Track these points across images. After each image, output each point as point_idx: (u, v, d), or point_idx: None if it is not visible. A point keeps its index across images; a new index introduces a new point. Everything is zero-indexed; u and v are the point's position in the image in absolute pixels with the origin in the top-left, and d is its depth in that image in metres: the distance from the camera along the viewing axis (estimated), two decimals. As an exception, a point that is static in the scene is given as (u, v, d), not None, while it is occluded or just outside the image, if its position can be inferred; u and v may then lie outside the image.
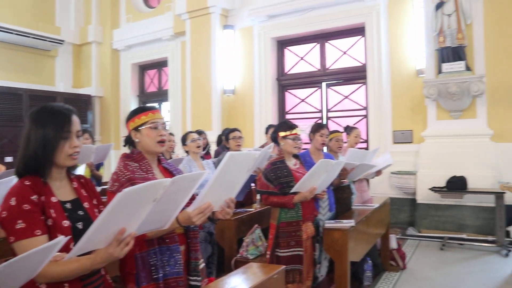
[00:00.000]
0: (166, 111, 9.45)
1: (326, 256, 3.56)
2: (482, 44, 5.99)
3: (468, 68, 5.89)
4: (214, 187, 1.81)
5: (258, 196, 4.38)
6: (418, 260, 4.94)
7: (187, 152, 4.02)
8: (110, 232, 1.41)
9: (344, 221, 3.45)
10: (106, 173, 6.47)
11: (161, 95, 9.89)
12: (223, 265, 3.68)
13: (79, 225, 1.58)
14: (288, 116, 8.24)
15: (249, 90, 8.32)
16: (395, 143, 6.90)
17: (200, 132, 4.92)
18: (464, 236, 5.68)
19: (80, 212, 1.62)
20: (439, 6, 5.94)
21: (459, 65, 5.86)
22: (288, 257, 3.05)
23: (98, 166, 5.15)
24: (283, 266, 2.30)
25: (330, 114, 7.93)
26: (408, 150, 6.71)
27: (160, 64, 9.93)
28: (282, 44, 8.34)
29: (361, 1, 7.09)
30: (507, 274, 4.44)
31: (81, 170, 4.66)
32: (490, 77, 5.92)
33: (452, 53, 5.91)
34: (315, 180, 3.06)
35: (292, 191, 3.03)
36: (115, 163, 2.46)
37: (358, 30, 7.39)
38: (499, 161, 5.83)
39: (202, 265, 2.12)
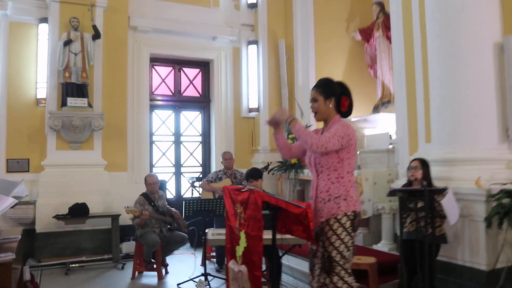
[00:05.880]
0: None
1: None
2: (101, 85, 6.81)
3: (90, 105, 6.52)
4: None
5: None
6: (47, 289, 4.99)
7: None
8: None
9: (1, 254, 3.25)
10: None
11: None
12: None
13: None
14: None
15: None
16: (9, 172, 6.55)
17: None
18: (84, 258, 6.13)
19: None
20: (67, 43, 6.30)
21: (83, 101, 6.40)
22: None
23: None
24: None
25: None
26: (24, 180, 6.51)
27: None
28: None
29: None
30: (127, 282, 5.27)
31: None
32: (106, 114, 6.75)
33: (77, 89, 6.39)
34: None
35: None
36: None
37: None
38: (111, 188, 6.70)
39: None
